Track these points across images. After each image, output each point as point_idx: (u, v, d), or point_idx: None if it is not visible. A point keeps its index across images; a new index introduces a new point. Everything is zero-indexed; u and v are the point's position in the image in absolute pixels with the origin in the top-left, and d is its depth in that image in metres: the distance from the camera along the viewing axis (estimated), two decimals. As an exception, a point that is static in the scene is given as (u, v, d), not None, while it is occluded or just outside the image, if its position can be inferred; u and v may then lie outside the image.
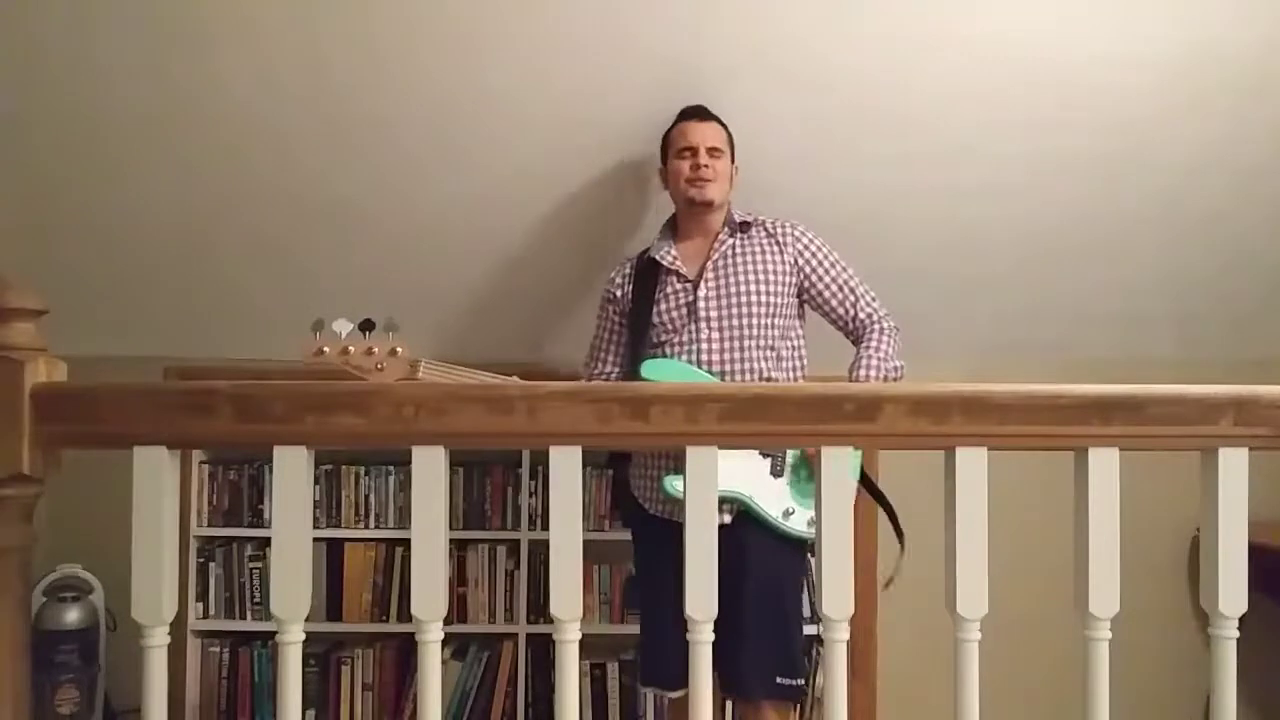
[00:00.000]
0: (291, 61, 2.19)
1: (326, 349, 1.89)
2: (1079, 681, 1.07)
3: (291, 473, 1.06)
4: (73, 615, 2.55)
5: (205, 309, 2.72)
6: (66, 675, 2.51)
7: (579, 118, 2.31)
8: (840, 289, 2.09)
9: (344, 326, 1.89)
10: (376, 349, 1.90)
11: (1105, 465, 1.06)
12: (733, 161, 2.15)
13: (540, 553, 2.68)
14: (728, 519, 1.90)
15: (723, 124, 2.15)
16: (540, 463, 2.63)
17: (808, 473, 1.97)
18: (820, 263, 2.09)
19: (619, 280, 2.17)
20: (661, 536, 1.96)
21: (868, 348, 2.04)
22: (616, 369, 2.16)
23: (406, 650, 2.72)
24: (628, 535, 2.73)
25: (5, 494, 1.01)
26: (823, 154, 2.40)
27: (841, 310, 2.09)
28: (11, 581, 1.03)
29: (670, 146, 2.14)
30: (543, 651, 2.67)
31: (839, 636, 1.06)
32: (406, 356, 1.91)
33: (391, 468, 2.74)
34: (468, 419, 1.03)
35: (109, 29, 2.12)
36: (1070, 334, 2.82)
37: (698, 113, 2.13)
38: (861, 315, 2.09)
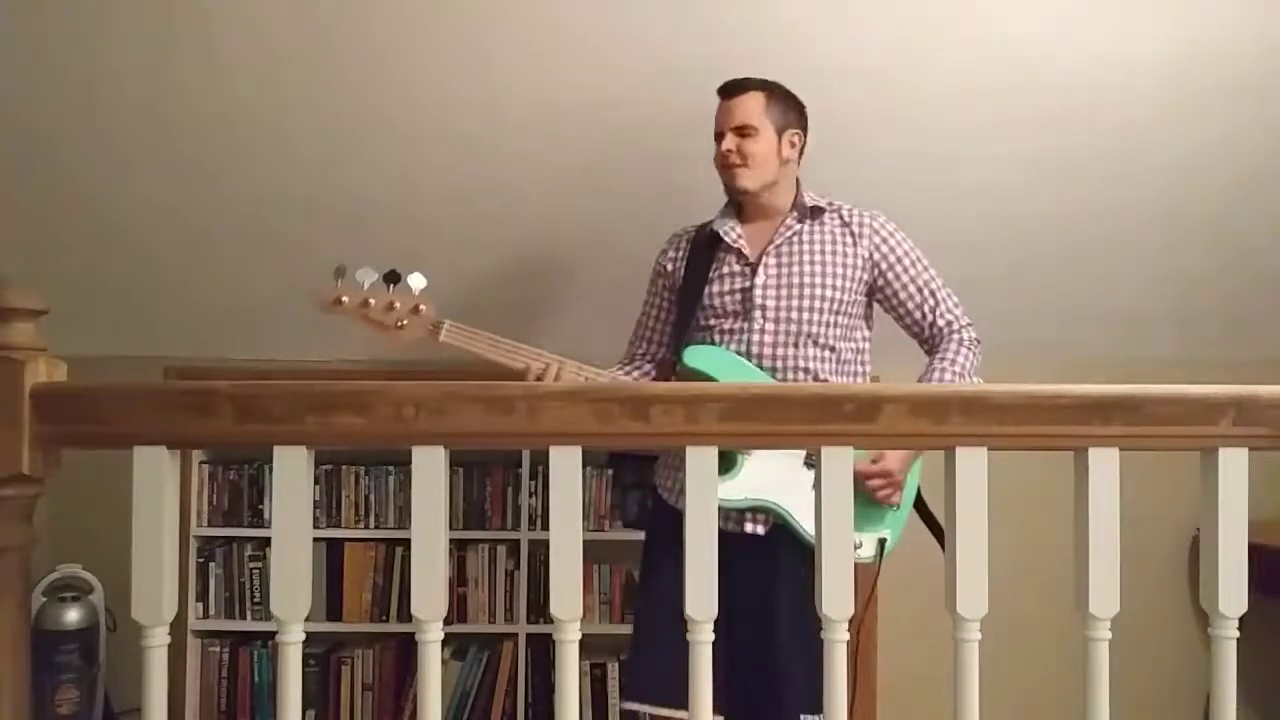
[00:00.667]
0: (293, 61, 2.19)
1: (345, 298, 1.75)
2: (1079, 681, 1.07)
3: (291, 473, 1.06)
4: (73, 615, 2.55)
5: (205, 309, 2.73)
6: (66, 675, 2.51)
7: (581, 116, 2.31)
8: (919, 290, 1.87)
9: (368, 276, 1.76)
10: (399, 304, 1.76)
11: (1105, 465, 1.06)
12: (787, 129, 1.87)
13: (540, 553, 2.68)
14: (761, 530, 1.77)
15: (767, 88, 1.87)
16: (540, 463, 2.63)
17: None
18: (899, 259, 1.87)
19: (672, 253, 1.96)
20: (682, 534, 1.82)
21: (942, 359, 1.84)
22: (662, 349, 1.98)
23: (406, 650, 2.72)
24: (628, 535, 2.73)
25: (5, 494, 1.01)
26: (822, 154, 2.39)
27: (918, 314, 1.87)
28: (11, 581, 1.03)
29: (715, 130, 1.92)
30: (543, 651, 2.67)
31: (839, 636, 1.06)
32: (430, 316, 1.77)
33: (391, 468, 2.74)
34: (468, 419, 1.03)
35: (111, 30, 2.12)
36: (1070, 334, 2.82)
37: (726, 89, 1.88)
38: (940, 322, 1.87)
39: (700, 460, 1.06)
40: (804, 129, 1.92)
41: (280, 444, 1.05)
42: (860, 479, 1.70)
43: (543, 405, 1.04)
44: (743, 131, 1.84)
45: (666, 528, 1.81)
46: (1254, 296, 2.75)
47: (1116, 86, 2.26)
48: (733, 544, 1.67)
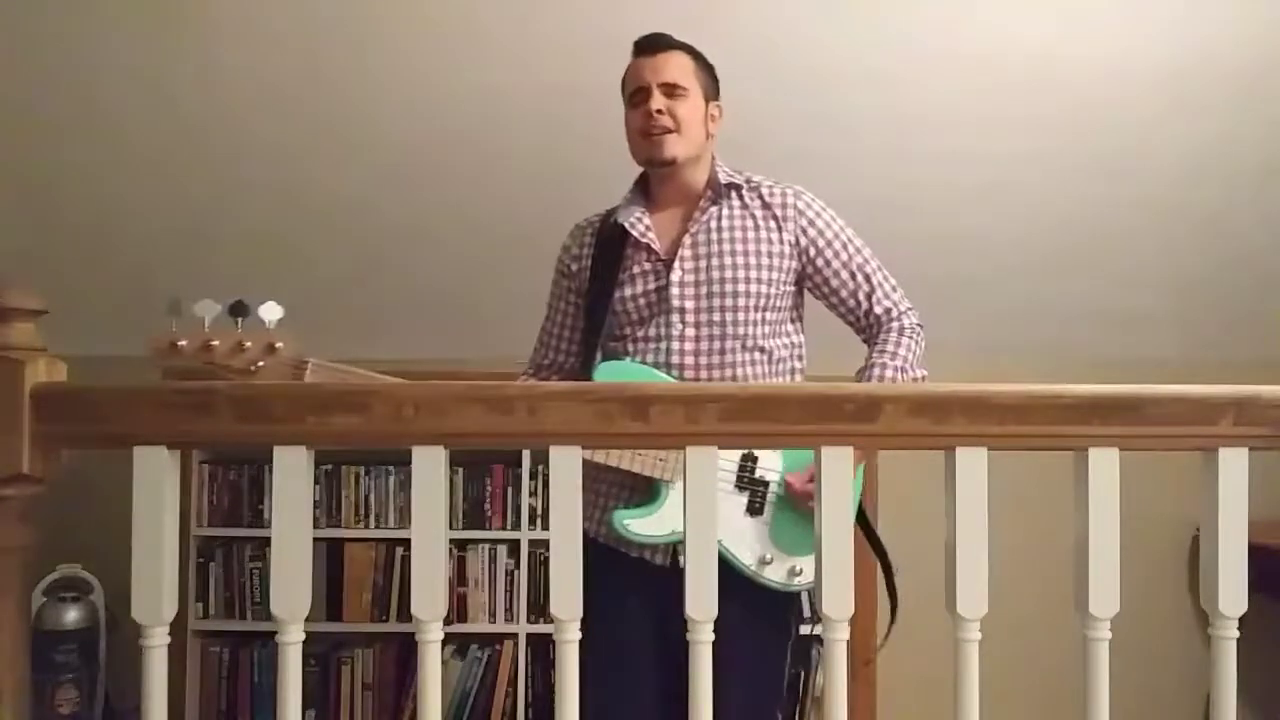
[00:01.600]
0: (289, 62, 2.19)
1: (184, 342, 1.46)
2: (1079, 681, 1.07)
3: (291, 473, 1.05)
4: (73, 615, 2.55)
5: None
6: (66, 675, 2.51)
7: (578, 116, 2.31)
8: (852, 275, 1.66)
9: (209, 310, 1.46)
10: (250, 343, 1.49)
11: (1105, 465, 1.05)
12: (711, 99, 1.67)
13: (540, 553, 2.68)
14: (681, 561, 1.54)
15: (693, 52, 1.67)
16: (540, 463, 2.63)
17: (791, 512, 1.60)
18: (829, 241, 1.66)
19: (575, 249, 1.74)
20: (618, 569, 1.58)
21: (882, 351, 1.65)
22: (572, 359, 1.76)
23: (406, 650, 2.72)
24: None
25: (5, 494, 1.01)
26: (821, 153, 2.40)
27: (852, 302, 1.67)
28: (11, 581, 1.03)
29: (624, 92, 1.69)
30: (543, 651, 2.67)
31: (839, 636, 1.06)
32: (289, 354, 1.50)
33: (391, 468, 2.74)
34: (468, 419, 1.03)
35: (109, 30, 2.13)
36: (1070, 334, 2.83)
37: (649, 43, 1.65)
38: (878, 309, 1.67)
39: (700, 460, 1.06)
40: (720, 102, 1.72)
41: (280, 444, 1.05)
42: (801, 498, 1.57)
43: (543, 405, 1.04)
44: (672, 91, 1.61)
45: (597, 564, 1.54)
46: (1254, 296, 2.76)
47: (1117, 86, 2.26)
48: (661, 576, 1.57)
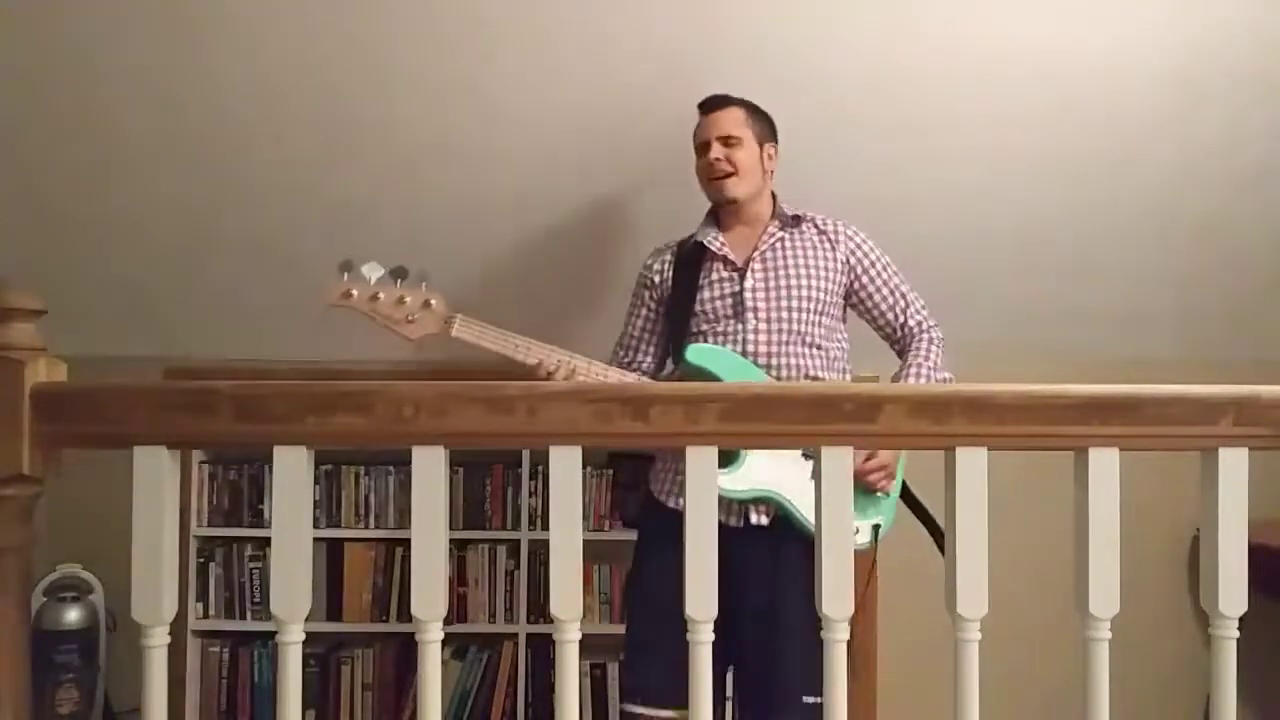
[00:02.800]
0: (290, 61, 2.19)
1: (355, 292, 1.72)
2: (1079, 681, 1.07)
3: (291, 473, 1.06)
4: (73, 615, 2.55)
5: (205, 309, 2.73)
6: (66, 675, 2.51)
7: (579, 116, 2.31)
8: (891, 293, 1.99)
9: (374, 271, 1.73)
10: (409, 299, 1.73)
11: (1105, 465, 1.06)
12: (765, 143, 1.99)
13: (540, 553, 2.68)
14: (765, 520, 1.83)
15: (747, 105, 1.99)
16: (540, 463, 2.63)
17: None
18: (872, 264, 1.99)
19: (658, 266, 2.02)
20: (679, 534, 1.86)
21: (916, 355, 1.95)
22: (650, 360, 2.04)
23: (406, 650, 2.72)
24: (628, 535, 2.72)
25: (5, 494, 1.01)
26: (822, 153, 2.40)
27: (890, 315, 2.00)
28: (11, 581, 1.03)
29: (695, 144, 2.03)
30: (543, 651, 2.67)
31: (839, 636, 1.06)
32: (441, 310, 1.75)
33: (391, 468, 2.74)
34: (468, 419, 1.03)
35: (108, 29, 2.12)
36: (1070, 334, 2.82)
37: (709, 104, 1.99)
38: (911, 323, 1.99)
39: (700, 460, 1.06)
40: (777, 143, 2.03)
41: (280, 444, 1.05)
42: (858, 474, 1.77)
43: (543, 405, 1.04)
44: (728, 141, 1.93)
45: (661, 528, 1.85)
46: (1254, 296, 2.75)
47: (1116, 85, 2.26)
48: (736, 536, 1.79)
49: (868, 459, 1.83)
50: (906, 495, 1.95)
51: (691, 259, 1.97)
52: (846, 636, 1.07)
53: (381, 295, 1.73)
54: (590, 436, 1.05)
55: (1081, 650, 1.07)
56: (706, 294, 1.93)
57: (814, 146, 2.37)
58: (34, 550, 1.07)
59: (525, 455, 2.69)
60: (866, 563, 1.83)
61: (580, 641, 1.08)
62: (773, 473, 1.80)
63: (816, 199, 2.46)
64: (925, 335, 1.99)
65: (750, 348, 1.87)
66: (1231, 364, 2.81)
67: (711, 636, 1.07)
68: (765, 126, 2.00)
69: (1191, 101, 2.30)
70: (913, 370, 1.93)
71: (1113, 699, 1.07)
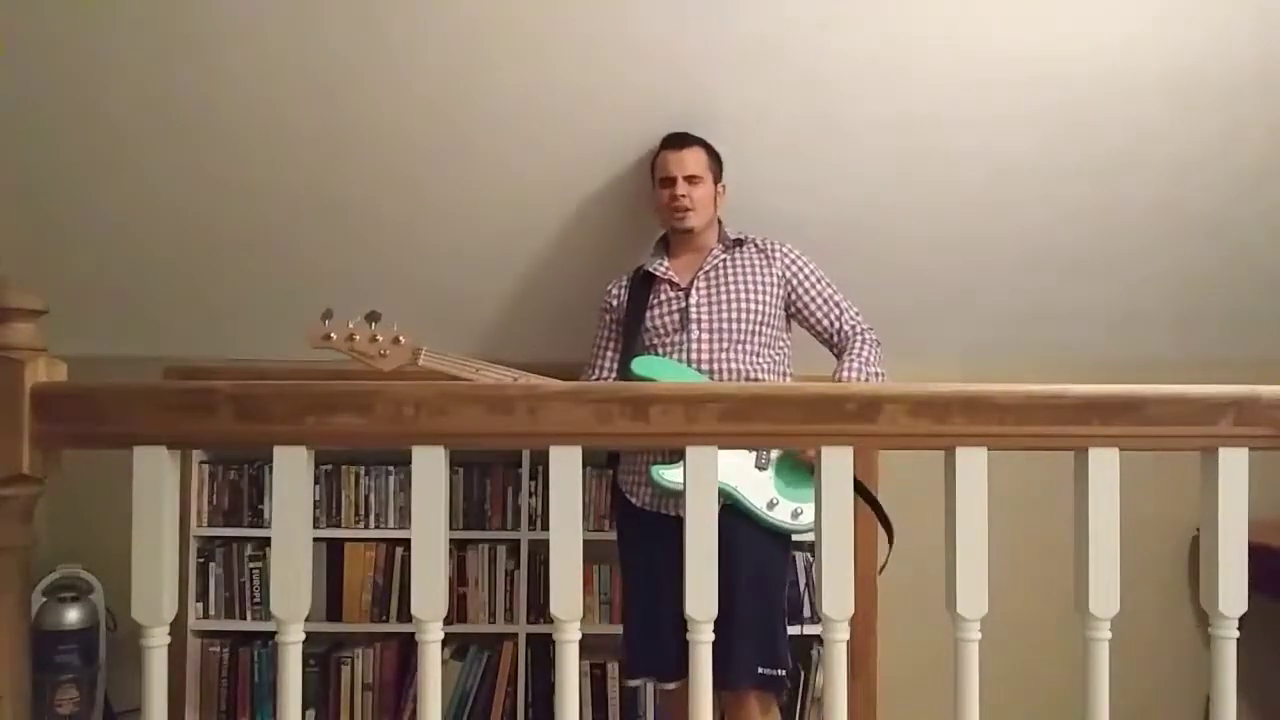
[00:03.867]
0: (292, 61, 2.19)
1: (333, 335, 1.99)
2: (1079, 681, 1.07)
3: (291, 473, 1.06)
4: (73, 615, 2.55)
5: (205, 309, 2.73)
6: (66, 675, 2.51)
7: (582, 116, 2.31)
8: (825, 302, 2.18)
9: (351, 317, 2.01)
10: (381, 337, 2.00)
11: (1105, 465, 1.06)
12: (718, 181, 2.24)
13: (540, 553, 2.68)
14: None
15: (706, 146, 2.22)
16: (540, 463, 2.63)
17: (791, 464, 2.02)
18: (806, 277, 2.18)
19: (615, 291, 2.26)
20: (650, 532, 2.04)
21: (851, 354, 2.12)
22: (611, 374, 2.23)
23: (406, 650, 2.72)
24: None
25: (5, 494, 1.01)
26: (822, 154, 2.40)
27: (826, 322, 2.18)
28: (11, 581, 1.03)
29: (654, 174, 2.24)
30: (543, 651, 2.67)
31: (839, 636, 1.06)
32: (409, 344, 2.01)
33: (391, 468, 2.74)
34: (468, 419, 1.03)
35: (110, 29, 2.12)
36: (1070, 334, 2.83)
37: (677, 141, 2.21)
38: (845, 327, 2.17)
39: (700, 460, 1.06)
40: (723, 181, 2.27)
41: (280, 444, 1.05)
42: (805, 457, 2.00)
43: (543, 405, 1.04)
44: (692, 180, 2.16)
45: (631, 523, 2.11)
46: (1253, 296, 2.76)
47: (1116, 85, 2.26)
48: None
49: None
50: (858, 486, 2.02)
51: (643, 284, 2.19)
52: (846, 636, 1.07)
53: (357, 336, 2.00)
54: (590, 436, 1.05)
55: (1081, 650, 1.07)
56: (655, 312, 2.14)
57: (812, 147, 2.37)
58: (34, 550, 1.07)
59: (525, 455, 2.69)
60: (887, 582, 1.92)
61: (580, 641, 1.08)
62: (721, 465, 1.86)
63: (814, 200, 2.47)
64: (859, 337, 2.16)
65: (694, 355, 2.07)
66: (1231, 364, 2.81)
67: (711, 636, 1.08)
68: (719, 166, 2.25)
69: (1191, 102, 2.30)
70: (847, 365, 2.09)
71: (1113, 699, 1.07)
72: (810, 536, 1.90)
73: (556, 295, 2.69)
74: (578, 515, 1.06)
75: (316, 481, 2.70)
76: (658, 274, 2.17)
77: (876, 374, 2.10)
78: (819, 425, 1.05)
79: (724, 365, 2.06)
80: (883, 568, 2.10)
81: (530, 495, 2.71)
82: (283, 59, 2.18)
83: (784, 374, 2.17)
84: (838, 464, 1.06)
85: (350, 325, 2.00)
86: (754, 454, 2.01)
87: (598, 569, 2.70)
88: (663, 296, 2.15)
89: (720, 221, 2.25)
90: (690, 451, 1.06)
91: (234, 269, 2.62)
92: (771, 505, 1.99)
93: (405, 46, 2.17)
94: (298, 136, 2.33)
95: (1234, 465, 1.06)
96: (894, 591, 2.56)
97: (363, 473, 2.74)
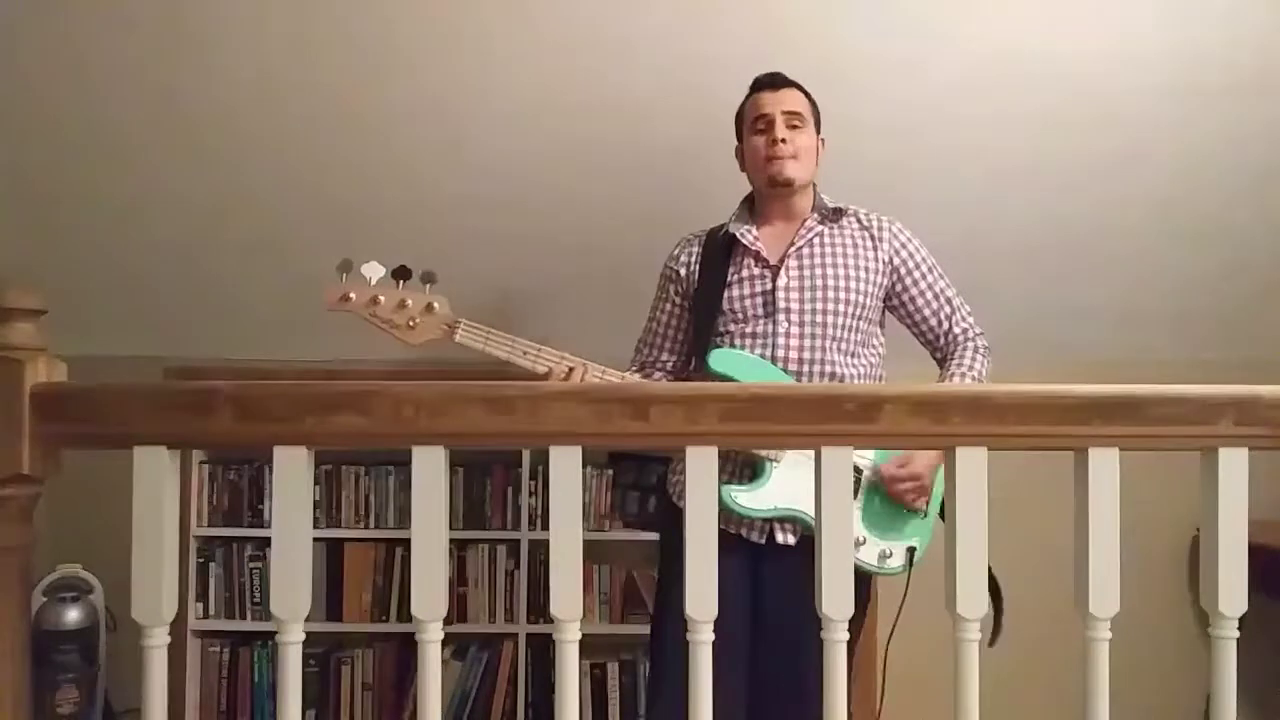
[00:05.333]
0: (291, 61, 2.19)
1: (353, 295, 1.63)
2: (1079, 681, 1.07)
3: (291, 473, 1.06)
4: (73, 615, 2.55)
5: (205, 309, 2.73)
6: (66, 675, 2.51)
7: (582, 116, 2.31)
8: (936, 297, 1.85)
9: (375, 272, 1.63)
10: (411, 302, 1.64)
11: (1105, 465, 1.05)
12: (818, 132, 1.87)
13: (540, 553, 2.68)
14: (792, 540, 1.72)
15: (805, 91, 1.85)
16: (540, 463, 2.63)
17: (882, 499, 1.74)
18: (918, 264, 1.84)
19: (684, 258, 1.88)
20: (720, 545, 1.77)
21: (960, 364, 1.82)
22: (674, 358, 1.91)
23: (406, 650, 2.72)
24: (628, 535, 2.72)
25: (5, 494, 1.01)
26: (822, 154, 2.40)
27: (934, 321, 1.85)
28: (11, 581, 1.03)
29: (743, 121, 1.87)
30: (543, 651, 2.67)
31: (839, 637, 1.06)
32: (444, 315, 1.66)
33: (391, 468, 2.74)
34: (468, 419, 1.03)
35: (109, 29, 2.12)
36: (1070, 334, 2.82)
37: (772, 81, 1.83)
38: (956, 330, 1.86)
39: (700, 460, 1.06)
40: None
41: (280, 444, 1.05)
42: (888, 483, 1.72)
43: (543, 405, 1.04)
44: (793, 120, 1.79)
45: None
46: (1253, 297, 2.75)
47: (1115, 86, 2.26)
48: (762, 554, 1.73)
49: (900, 465, 1.71)
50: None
51: (721, 252, 1.82)
52: (846, 637, 1.07)
53: (382, 298, 1.63)
54: (590, 436, 1.05)
55: (1081, 650, 1.07)
56: (736, 291, 1.79)
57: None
58: (34, 550, 1.07)
59: (525, 455, 2.69)
60: (899, 590, 1.73)
61: (580, 641, 1.08)
62: (800, 490, 1.67)
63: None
64: (970, 344, 1.85)
65: (780, 351, 1.75)
66: (1230, 364, 2.80)
67: (711, 636, 1.07)
68: (818, 116, 1.87)
69: (1191, 103, 2.30)
70: (955, 378, 1.80)
71: (1113, 699, 1.07)
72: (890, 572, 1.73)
73: (555, 296, 2.69)
74: (578, 515, 1.06)
75: (316, 481, 2.70)
76: (744, 241, 1.80)
77: None
78: (819, 425, 1.05)
79: (815, 369, 1.75)
80: (994, 640, 1.70)
81: (530, 495, 2.71)
82: (284, 59, 2.19)
83: (879, 379, 1.85)
84: (838, 464, 1.06)
85: (374, 283, 1.63)
86: None
87: (598, 569, 2.70)
88: (745, 273, 1.79)
89: (815, 186, 1.88)
90: (690, 451, 1.06)
91: (234, 269, 2.62)
92: (858, 544, 1.70)
93: (408, 45, 2.17)
94: (296, 136, 2.33)
95: (1234, 465, 1.06)
96: (894, 592, 2.56)
97: (363, 473, 2.74)
